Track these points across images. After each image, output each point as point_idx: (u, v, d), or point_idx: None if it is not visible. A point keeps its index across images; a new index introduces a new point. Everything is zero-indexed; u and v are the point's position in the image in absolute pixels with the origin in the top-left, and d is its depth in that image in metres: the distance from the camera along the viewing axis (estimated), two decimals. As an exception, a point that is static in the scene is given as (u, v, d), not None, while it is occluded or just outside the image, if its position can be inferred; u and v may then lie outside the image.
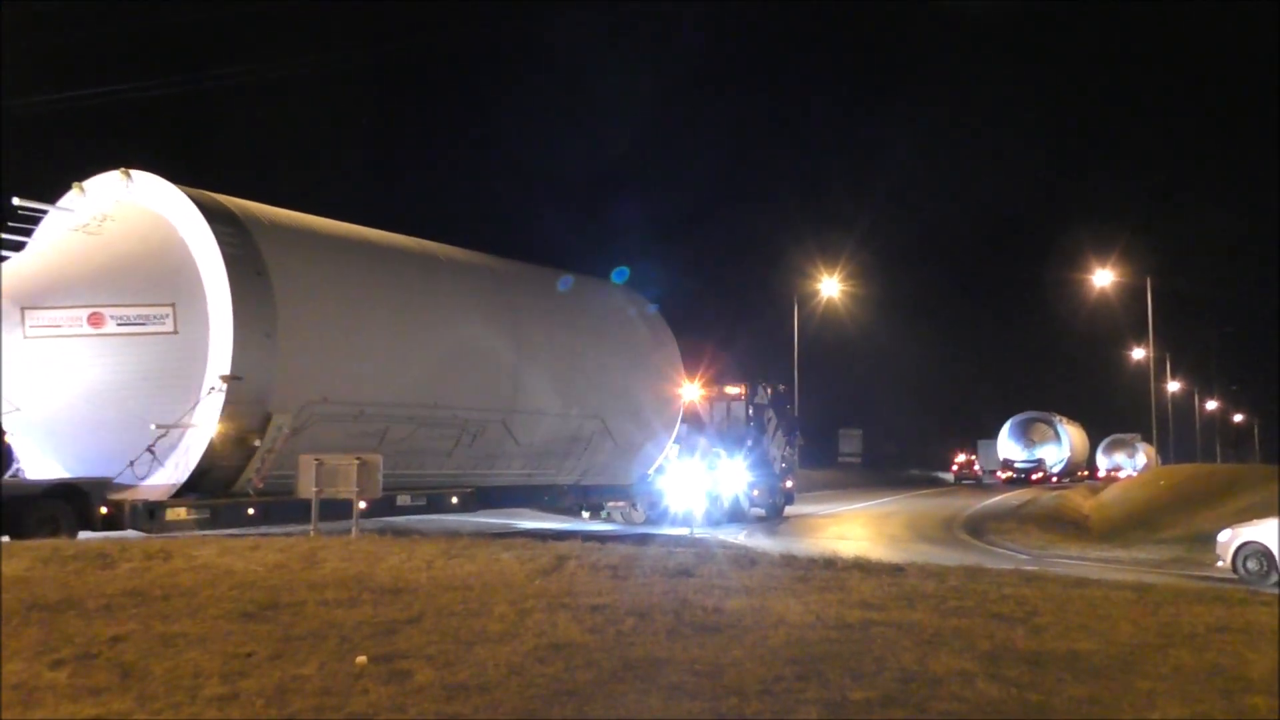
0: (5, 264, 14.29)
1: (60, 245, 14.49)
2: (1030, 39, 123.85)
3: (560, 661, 5.80)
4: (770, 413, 28.72)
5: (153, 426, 13.66)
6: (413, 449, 16.80)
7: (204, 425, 13.80)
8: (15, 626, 6.40)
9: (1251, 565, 16.44)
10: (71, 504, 13.33)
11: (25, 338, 13.59)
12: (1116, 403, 76.08)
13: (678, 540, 19.15)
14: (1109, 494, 41.54)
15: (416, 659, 5.79)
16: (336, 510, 13.67)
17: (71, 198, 14.86)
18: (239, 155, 56.70)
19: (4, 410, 13.87)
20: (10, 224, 14.77)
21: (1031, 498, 39.52)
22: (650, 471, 23.28)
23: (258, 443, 14.28)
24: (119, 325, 13.87)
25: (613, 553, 10.41)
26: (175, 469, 13.87)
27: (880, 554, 13.96)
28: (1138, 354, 63.47)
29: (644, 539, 18.41)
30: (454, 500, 18.00)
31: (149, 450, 13.72)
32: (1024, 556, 20.89)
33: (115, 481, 13.71)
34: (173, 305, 13.99)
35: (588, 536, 15.23)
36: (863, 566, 10.20)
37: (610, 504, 24.23)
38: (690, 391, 25.32)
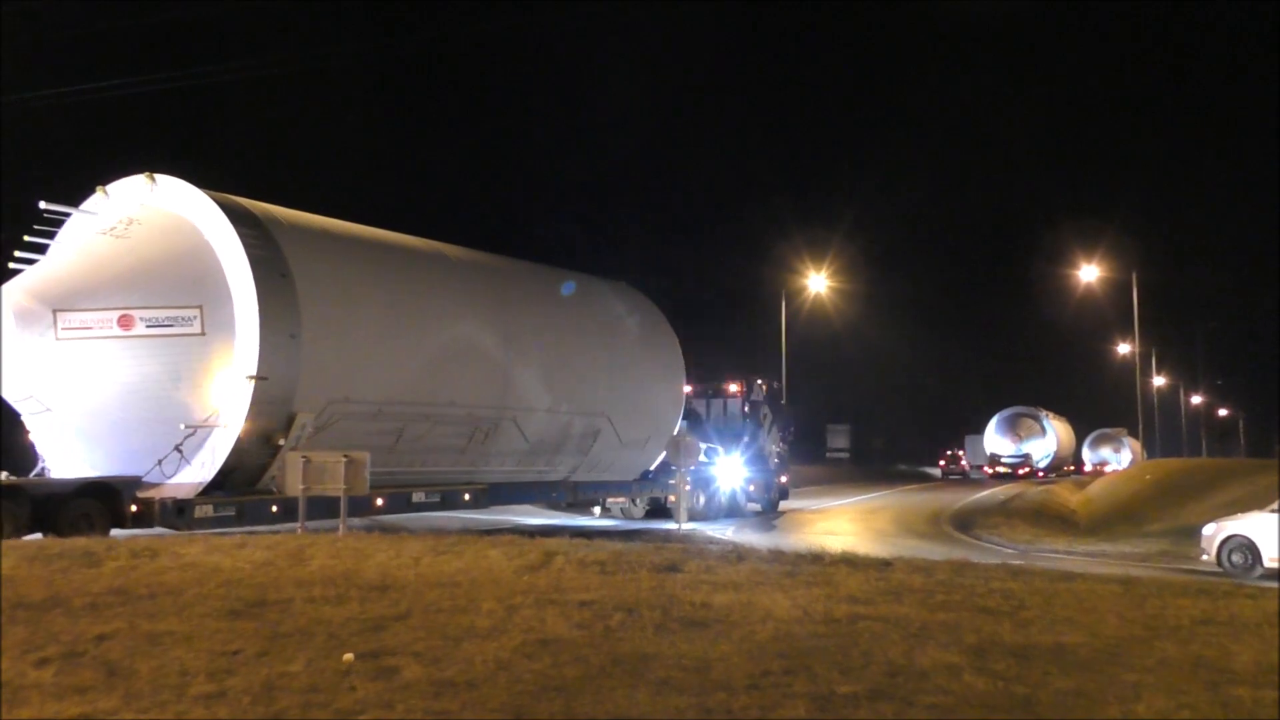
0: (35, 267, 14.51)
1: (89, 248, 14.66)
2: (1016, 37, 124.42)
3: (548, 657, 5.80)
4: (766, 409, 28.88)
5: (181, 425, 13.83)
6: (428, 446, 17.03)
7: (230, 424, 13.99)
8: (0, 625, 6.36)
9: (1236, 558, 16.60)
10: (103, 502, 13.43)
11: (57, 340, 13.77)
12: (1103, 398, 76.45)
13: (667, 535, 19.21)
14: (1095, 488, 41.65)
15: (404, 655, 5.78)
16: (357, 507, 13.98)
17: (96, 201, 15.02)
18: (238, 154, 56.56)
19: (34, 411, 14.03)
20: (35, 226, 14.94)
21: (1018, 492, 39.59)
22: (652, 467, 23.53)
23: (282, 441, 14.45)
24: (148, 327, 14.05)
25: (601, 549, 10.40)
26: (202, 467, 14.05)
27: (868, 549, 13.99)
28: (1123, 349, 63.82)
29: (633, 534, 18.46)
30: (466, 497, 18.16)
31: (177, 449, 13.89)
32: (1011, 551, 21.00)
33: (144, 480, 13.87)
34: (200, 307, 14.18)
35: (576, 532, 15.24)
36: (850, 561, 10.21)
37: (612, 499, 24.48)
38: (689, 388, 25.47)
